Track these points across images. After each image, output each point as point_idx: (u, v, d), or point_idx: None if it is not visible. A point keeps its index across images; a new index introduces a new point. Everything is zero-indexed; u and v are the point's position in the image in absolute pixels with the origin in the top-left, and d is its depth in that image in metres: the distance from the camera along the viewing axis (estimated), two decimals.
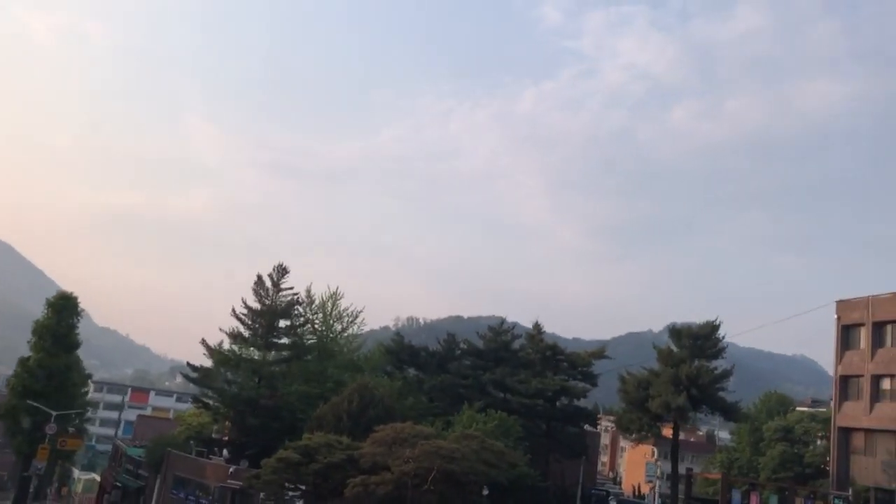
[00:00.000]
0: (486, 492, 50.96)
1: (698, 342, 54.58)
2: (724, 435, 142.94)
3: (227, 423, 63.73)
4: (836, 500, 42.13)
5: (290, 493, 40.57)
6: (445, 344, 65.80)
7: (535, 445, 60.09)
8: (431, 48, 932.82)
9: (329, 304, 67.41)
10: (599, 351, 61.76)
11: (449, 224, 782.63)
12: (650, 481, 45.10)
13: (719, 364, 54.25)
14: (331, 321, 67.06)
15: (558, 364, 61.80)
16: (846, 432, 55.44)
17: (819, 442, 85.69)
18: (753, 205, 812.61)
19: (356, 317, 67.29)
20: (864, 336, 56.42)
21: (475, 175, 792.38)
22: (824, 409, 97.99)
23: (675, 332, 54.07)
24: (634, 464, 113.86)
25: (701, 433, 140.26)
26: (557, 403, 61.87)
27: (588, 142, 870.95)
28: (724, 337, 53.92)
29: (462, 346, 65.89)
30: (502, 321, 64.62)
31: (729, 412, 53.80)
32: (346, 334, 67.18)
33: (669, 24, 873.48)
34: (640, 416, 52.12)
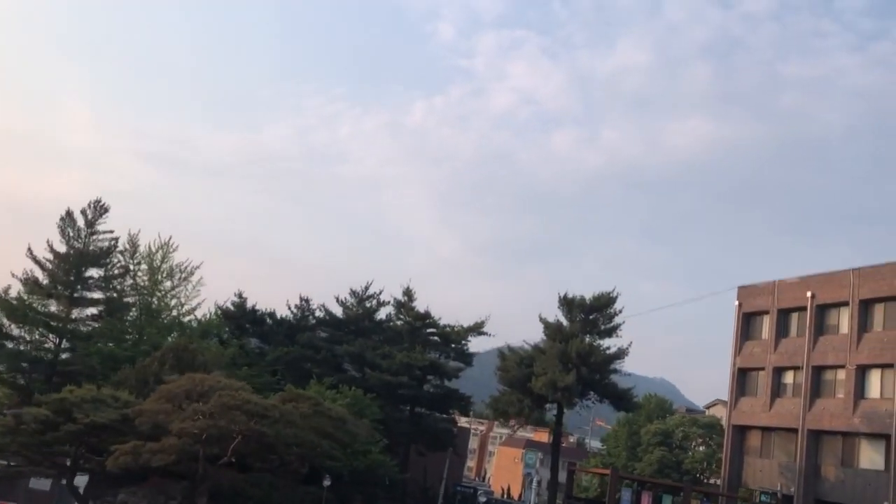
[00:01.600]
0: (327, 482, 41.28)
1: (591, 316, 47.18)
2: (595, 444, 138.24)
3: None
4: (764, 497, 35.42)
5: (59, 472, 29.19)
6: (297, 310, 55.55)
7: (396, 432, 51.30)
8: (321, 49, 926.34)
9: (158, 255, 55.63)
10: (478, 325, 53.49)
11: (331, 229, 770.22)
12: (528, 473, 36.87)
13: (614, 343, 47.03)
14: (158, 276, 55.23)
15: (429, 338, 52.92)
16: (742, 431, 49.74)
17: (700, 448, 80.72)
18: (624, 232, 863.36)
19: (191, 273, 55.82)
20: (767, 325, 50.65)
21: (362, 182, 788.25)
22: (705, 414, 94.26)
23: (567, 302, 46.58)
24: (503, 468, 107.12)
25: (572, 440, 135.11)
26: (425, 386, 52.91)
27: (474, 159, 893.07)
28: (621, 310, 46.76)
29: (318, 313, 55.89)
30: (367, 285, 55.17)
31: (621, 399, 46.62)
32: (174, 292, 55.46)
33: (557, 52, 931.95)
34: (521, 398, 44.21)
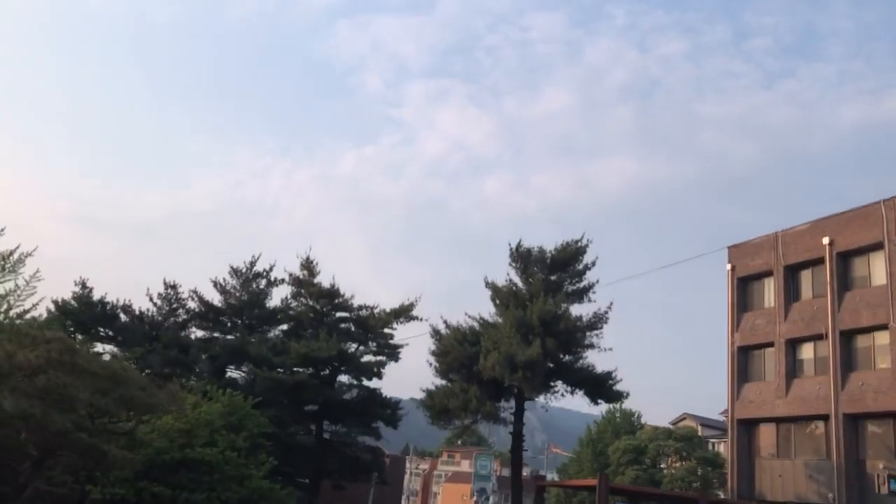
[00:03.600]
0: None
1: (554, 276, 35.04)
2: (553, 476, 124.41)
3: None
4: None
5: None
6: (163, 301, 41.54)
7: (298, 456, 37.61)
8: (250, 103, 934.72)
9: None
10: (404, 309, 40.43)
11: None
12: (481, 489, 23.97)
13: (587, 311, 35.14)
14: None
15: (339, 326, 39.74)
16: (749, 428, 38.08)
17: (677, 464, 69.04)
18: None
19: (18, 263, 41.13)
20: (771, 288, 39.31)
21: (294, 233, 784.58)
22: (677, 426, 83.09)
23: (521, 256, 34.37)
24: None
25: (525, 473, 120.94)
26: (338, 386, 39.55)
27: (407, 207, 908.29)
28: (593, 264, 34.84)
29: (190, 304, 42.08)
30: (253, 259, 41.70)
31: (600, 386, 34.25)
32: None
33: (483, 99, 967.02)
34: (465, 388, 31.20)
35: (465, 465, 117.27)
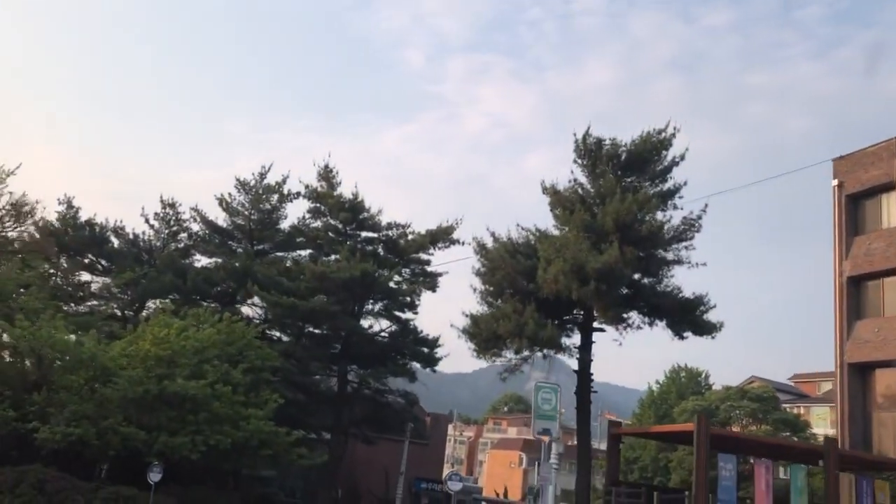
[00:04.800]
0: (155, 474, 21.50)
1: (630, 175, 27.74)
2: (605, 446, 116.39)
3: None
4: None
5: None
6: (161, 223, 35.42)
7: (316, 405, 31.51)
8: (290, 82, 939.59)
9: None
10: (443, 231, 33.58)
11: None
12: (545, 419, 16.84)
13: (670, 216, 27.88)
14: None
15: (365, 248, 33.00)
16: (862, 374, 31.13)
17: (753, 428, 61.35)
18: None
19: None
20: (891, 204, 31.17)
21: None
22: (757, 385, 75.13)
23: (590, 149, 27.04)
24: (495, 476, 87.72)
25: (572, 443, 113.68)
26: (364, 322, 33.15)
27: (450, 184, 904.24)
28: (681, 158, 27.47)
29: (193, 227, 35.90)
30: (264, 169, 35.05)
31: (688, 313, 26.95)
32: None
33: (526, 74, 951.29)
34: (519, 309, 24.12)
35: (512, 432, 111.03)
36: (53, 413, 22.28)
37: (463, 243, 35.21)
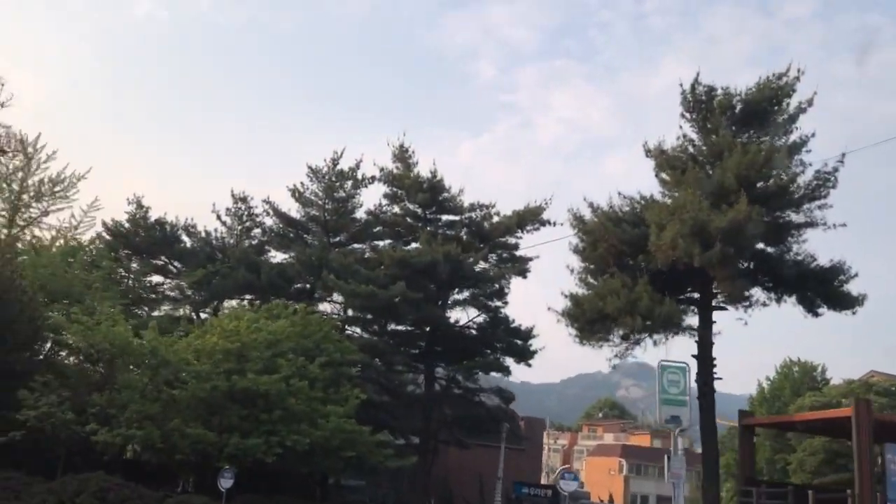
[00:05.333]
0: (226, 480, 19.05)
1: (748, 129, 23.97)
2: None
3: None
4: None
5: None
6: (233, 218, 33.64)
7: (402, 406, 28.94)
8: (362, 99, 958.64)
9: (15, 157, 35.26)
10: (532, 212, 30.49)
11: None
12: (672, 405, 13.39)
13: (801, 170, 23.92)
14: (11, 190, 34.72)
15: (446, 233, 30.23)
16: None
17: None
18: None
19: (67, 185, 35.21)
20: None
21: None
22: (878, 379, 68.49)
23: (701, 101, 23.47)
24: (595, 483, 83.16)
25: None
26: (450, 313, 30.43)
27: (527, 193, 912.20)
28: (808, 104, 23.46)
29: (267, 221, 34.01)
30: (337, 155, 32.76)
31: (822, 285, 22.87)
32: (40, 211, 34.76)
33: (599, 78, 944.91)
34: (630, 283, 20.67)
35: (609, 439, 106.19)
36: (115, 414, 20.22)
37: (554, 224, 32.08)
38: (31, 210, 36.31)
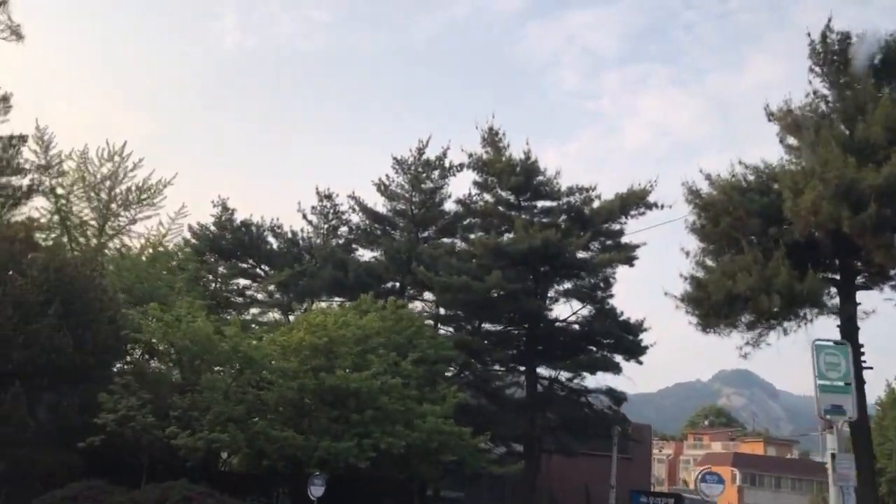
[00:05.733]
0: (316, 487, 17.13)
1: (890, 74, 20.43)
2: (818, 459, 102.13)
3: None
4: None
5: None
6: (319, 216, 32.44)
7: (504, 408, 26.76)
8: (447, 112, 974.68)
9: (99, 168, 35.03)
10: (637, 195, 27.87)
11: None
12: (832, 392, 10.57)
13: None
14: (99, 199, 34.51)
15: (542, 220, 27.92)
16: None
17: None
18: None
19: (153, 192, 34.68)
20: None
21: None
22: None
23: (833, 51, 20.32)
24: None
25: (793, 455, 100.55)
26: (553, 308, 28.14)
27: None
28: None
29: (353, 218, 32.61)
30: (422, 144, 31.00)
31: None
32: (128, 219, 34.40)
33: (685, 80, 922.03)
34: (762, 258, 17.72)
35: (717, 447, 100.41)
36: (197, 417, 18.76)
37: (662, 206, 29.26)
38: (120, 219, 36.32)
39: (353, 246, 33.94)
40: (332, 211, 33.79)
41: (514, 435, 30.33)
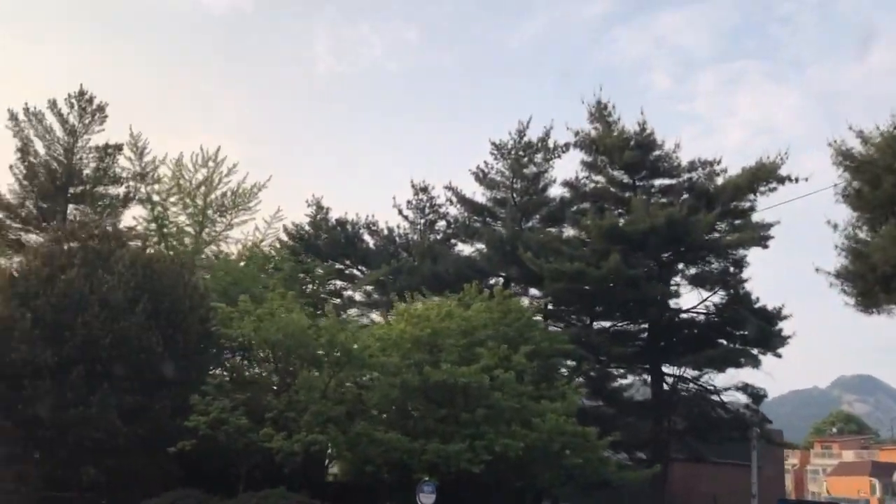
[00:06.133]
0: (427, 496, 15.00)
1: None
2: None
3: None
4: None
5: None
6: (415, 211, 30.82)
7: (625, 410, 24.36)
8: (538, 119, 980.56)
9: (198, 171, 34.93)
10: (767, 169, 24.84)
11: None
12: None
13: None
14: (195, 205, 34.36)
15: (661, 199, 25.24)
16: None
17: None
18: None
19: (248, 196, 34.27)
20: None
21: None
22: None
23: None
24: None
25: None
26: (675, 297, 25.45)
27: None
28: None
29: (451, 211, 30.88)
30: (523, 125, 28.83)
31: None
32: (224, 225, 34.03)
33: (784, 75, 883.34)
34: None
35: (849, 456, 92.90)
36: (293, 418, 17.10)
37: (796, 180, 25.98)
38: (216, 225, 35.80)
39: (452, 241, 32.08)
40: (428, 204, 32.09)
41: (636, 441, 27.56)
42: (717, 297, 26.17)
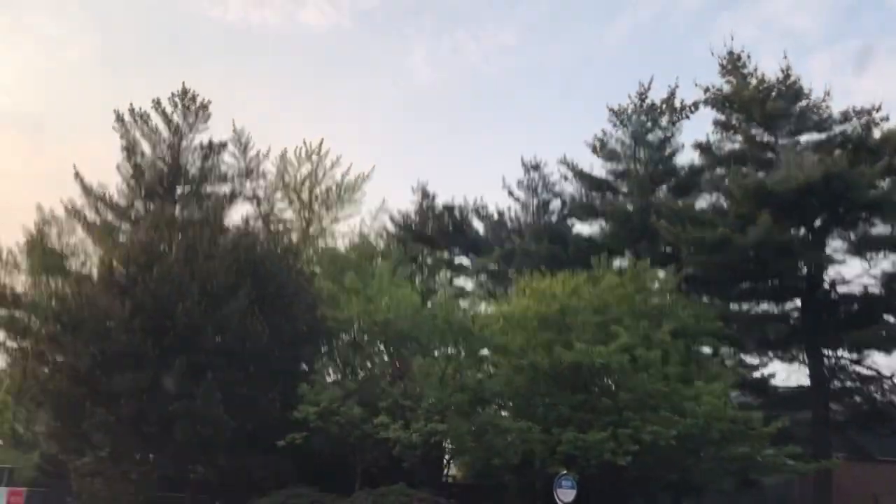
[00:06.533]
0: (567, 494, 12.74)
1: None
2: None
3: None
4: None
5: None
6: (527, 191, 28.85)
7: (774, 402, 21.53)
8: None
9: (302, 166, 34.68)
10: None
11: None
12: None
13: None
14: (301, 200, 34.11)
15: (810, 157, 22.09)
16: None
17: None
18: None
19: (353, 188, 33.61)
20: None
21: None
22: None
23: None
24: None
25: None
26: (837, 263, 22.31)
27: None
28: None
29: (567, 188, 28.76)
30: (644, 88, 26.30)
31: None
32: (330, 219, 33.48)
33: None
34: None
35: None
36: (410, 407, 15.36)
37: None
38: (323, 220, 35.00)
39: (568, 222, 29.71)
40: (540, 183, 29.87)
41: (790, 435, 24.30)
42: (884, 266, 22.65)
